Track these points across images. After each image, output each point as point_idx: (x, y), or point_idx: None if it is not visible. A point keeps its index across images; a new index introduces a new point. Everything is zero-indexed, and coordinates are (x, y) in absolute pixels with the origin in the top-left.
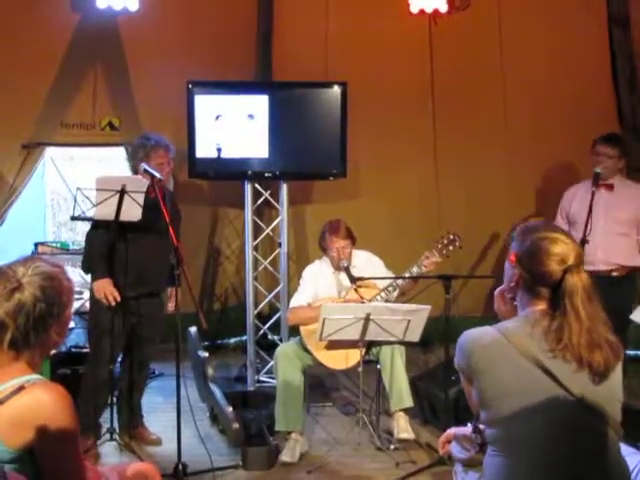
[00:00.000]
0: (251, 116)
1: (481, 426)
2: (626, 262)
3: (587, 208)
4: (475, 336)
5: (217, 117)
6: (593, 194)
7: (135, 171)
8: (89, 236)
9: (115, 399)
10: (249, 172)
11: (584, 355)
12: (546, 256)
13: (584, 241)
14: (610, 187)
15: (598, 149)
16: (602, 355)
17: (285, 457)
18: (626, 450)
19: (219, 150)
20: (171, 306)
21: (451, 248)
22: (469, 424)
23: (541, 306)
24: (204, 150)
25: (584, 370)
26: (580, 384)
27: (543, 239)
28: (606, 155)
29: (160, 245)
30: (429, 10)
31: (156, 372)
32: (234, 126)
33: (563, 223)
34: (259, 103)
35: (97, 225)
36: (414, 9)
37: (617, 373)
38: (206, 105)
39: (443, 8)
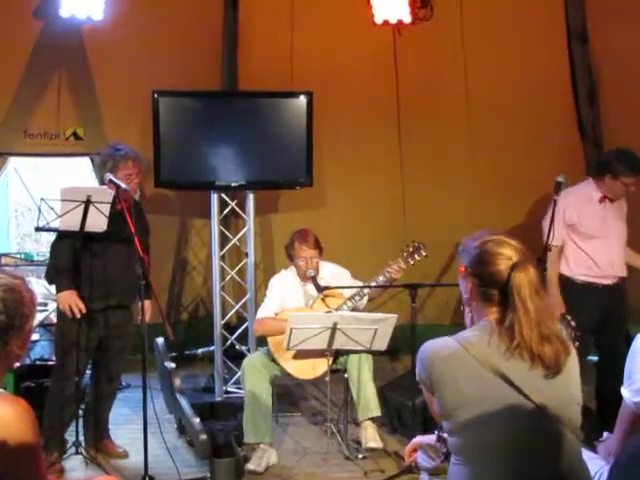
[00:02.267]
0: (219, 126)
1: (445, 435)
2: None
3: (596, 220)
4: (435, 348)
5: None
6: (555, 202)
7: (102, 181)
8: (54, 247)
9: (82, 412)
10: (216, 182)
11: (535, 348)
12: (492, 257)
13: (546, 248)
14: (613, 200)
15: (627, 181)
16: (552, 349)
17: (251, 465)
18: (587, 455)
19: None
20: (140, 319)
21: (416, 256)
22: (435, 432)
23: (494, 314)
24: (170, 160)
25: (537, 365)
26: (536, 385)
27: (487, 242)
28: (633, 185)
29: (127, 256)
30: (393, 21)
31: (123, 383)
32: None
33: (564, 233)
34: (225, 113)
35: (62, 236)
36: (378, 20)
37: (573, 373)
38: None
39: (407, 19)
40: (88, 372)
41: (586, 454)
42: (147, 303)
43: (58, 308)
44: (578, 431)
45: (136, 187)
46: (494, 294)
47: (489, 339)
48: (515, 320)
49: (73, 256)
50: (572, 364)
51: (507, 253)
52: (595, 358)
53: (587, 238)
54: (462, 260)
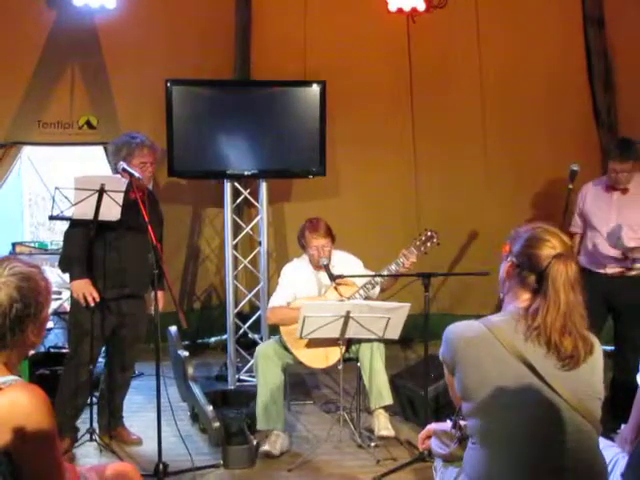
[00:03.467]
0: (232, 115)
1: (461, 422)
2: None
3: (599, 209)
4: (461, 329)
5: None
6: (569, 192)
7: (116, 170)
8: (67, 236)
9: (96, 400)
10: (228, 171)
11: (554, 337)
12: (539, 241)
13: None
14: (625, 190)
15: (613, 167)
16: (571, 342)
17: (266, 447)
18: (603, 443)
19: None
20: (152, 309)
21: (429, 245)
22: (449, 420)
23: (525, 301)
24: (183, 149)
25: (552, 355)
26: (558, 376)
27: (537, 228)
28: (622, 171)
29: (141, 245)
30: (407, 9)
31: (136, 372)
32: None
33: (579, 221)
34: (238, 102)
35: (75, 224)
36: (392, 7)
37: (596, 371)
38: None
39: (421, 7)
40: (102, 360)
41: (602, 442)
42: (160, 293)
43: (72, 296)
44: (597, 424)
45: (150, 176)
46: (530, 278)
47: (516, 325)
48: (542, 306)
49: (86, 245)
50: (596, 361)
51: (554, 242)
52: (610, 348)
53: (591, 226)
54: (510, 242)
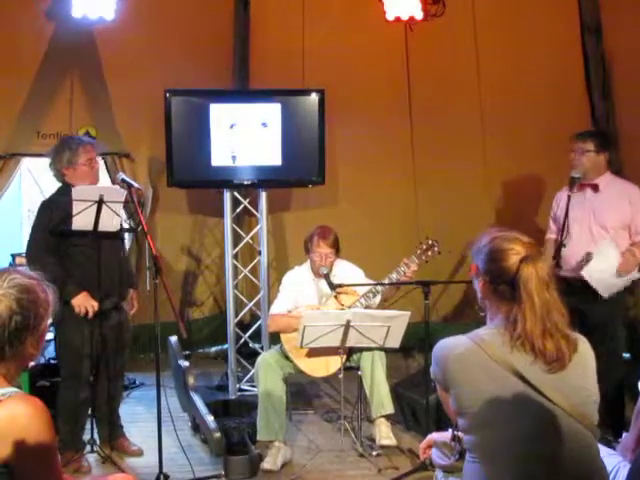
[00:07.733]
0: (231, 125)
1: (460, 434)
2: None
3: (573, 209)
4: (449, 346)
5: None
6: (569, 198)
7: (60, 178)
8: (42, 263)
9: (92, 412)
10: (228, 180)
11: (537, 344)
12: (502, 252)
13: (561, 245)
14: (595, 187)
15: (572, 145)
16: (554, 344)
17: (267, 464)
18: (605, 451)
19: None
20: (130, 309)
21: (430, 254)
22: (450, 429)
23: (506, 312)
24: (183, 159)
25: (540, 360)
26: (550, 382)
27: (496, 239)
28: (579, 150)
29: (116, 254)
30: (405, 17)
31: (137, 382)
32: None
33: (552, 226)
34: (237, 111)
35: (37, 247)
36: (390, 16)
37: (585, 370)
38: None
39: (419, 15)
40: None
41: (603, 450)
42: (133, 293)
43: (58, 314)
44: (594, 429)
45: (97, 172)
46: (505, 290)
47: (502, 337)
48: (519, 313)
49: (58, 259)
50: (584, 360)
51: (516, 248)
52: None
53: (558, 228)
54: (473, 260)
